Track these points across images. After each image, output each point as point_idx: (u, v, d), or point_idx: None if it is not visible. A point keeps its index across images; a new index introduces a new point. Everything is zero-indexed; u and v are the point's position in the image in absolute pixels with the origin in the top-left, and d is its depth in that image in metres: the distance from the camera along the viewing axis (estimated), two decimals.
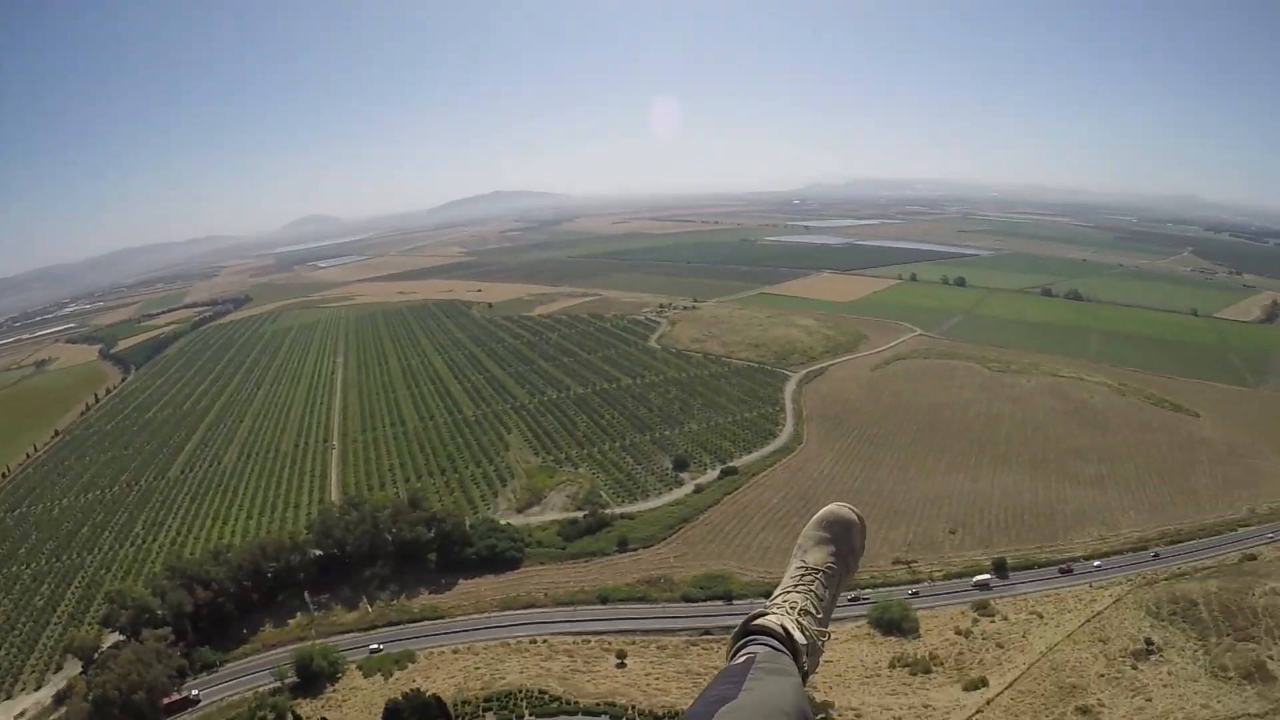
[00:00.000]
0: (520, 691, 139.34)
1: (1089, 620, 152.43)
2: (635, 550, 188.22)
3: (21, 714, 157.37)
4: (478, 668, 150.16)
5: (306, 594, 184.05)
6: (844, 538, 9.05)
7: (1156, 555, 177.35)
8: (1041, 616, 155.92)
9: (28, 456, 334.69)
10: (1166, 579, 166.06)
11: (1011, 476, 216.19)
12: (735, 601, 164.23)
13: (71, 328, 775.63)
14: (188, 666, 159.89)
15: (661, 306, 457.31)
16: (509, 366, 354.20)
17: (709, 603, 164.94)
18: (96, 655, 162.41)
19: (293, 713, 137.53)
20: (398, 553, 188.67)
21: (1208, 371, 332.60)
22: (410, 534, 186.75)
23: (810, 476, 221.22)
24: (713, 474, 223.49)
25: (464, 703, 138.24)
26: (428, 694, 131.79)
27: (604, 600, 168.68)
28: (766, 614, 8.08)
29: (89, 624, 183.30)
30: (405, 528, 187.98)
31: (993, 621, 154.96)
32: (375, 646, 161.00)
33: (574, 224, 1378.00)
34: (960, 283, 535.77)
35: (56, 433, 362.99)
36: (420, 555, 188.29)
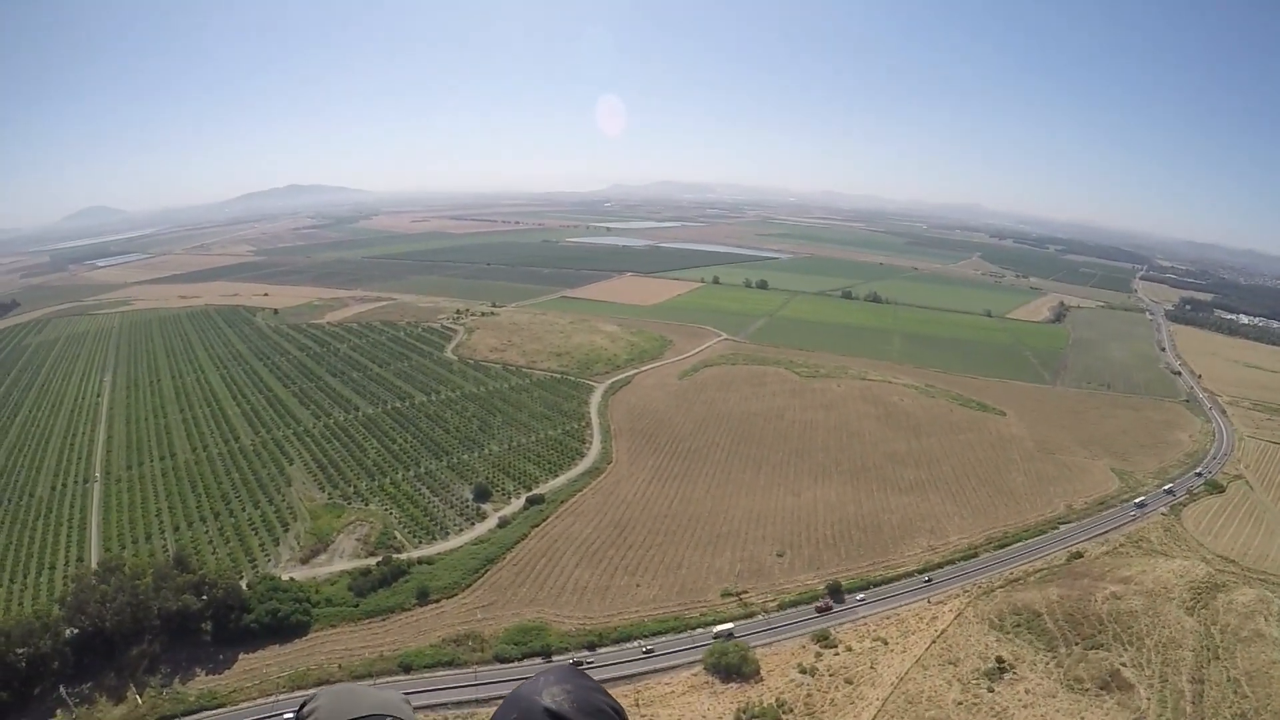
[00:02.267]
0: None
1: (934, 641, 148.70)
2: (438, 601, 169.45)
3: None
4: None
5: (63, 688, 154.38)
6: None
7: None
8: (886, 642, 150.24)
9: None
10: (1004, 587, 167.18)
11: (833, 488, 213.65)
12: (554, 657, 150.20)
13: None
14: None
15: (459, 312, 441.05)
16: (293, 383, 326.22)
17: (526, 661, 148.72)
18: None
19: None
20: (165, 626, 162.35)
21: (1007, 370, 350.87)
22: (177, 604, 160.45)
23: (624, 500, 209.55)
24: (517, 504, 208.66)
25: None
26: None
27: (407, 669, 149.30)
28: None
29: None
30: (170, 596, 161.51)
31: (837, 654, 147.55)
32: None
33: (372, 222, 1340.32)
34: (763, 285, 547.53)
35: None
36: (192, 627, 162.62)
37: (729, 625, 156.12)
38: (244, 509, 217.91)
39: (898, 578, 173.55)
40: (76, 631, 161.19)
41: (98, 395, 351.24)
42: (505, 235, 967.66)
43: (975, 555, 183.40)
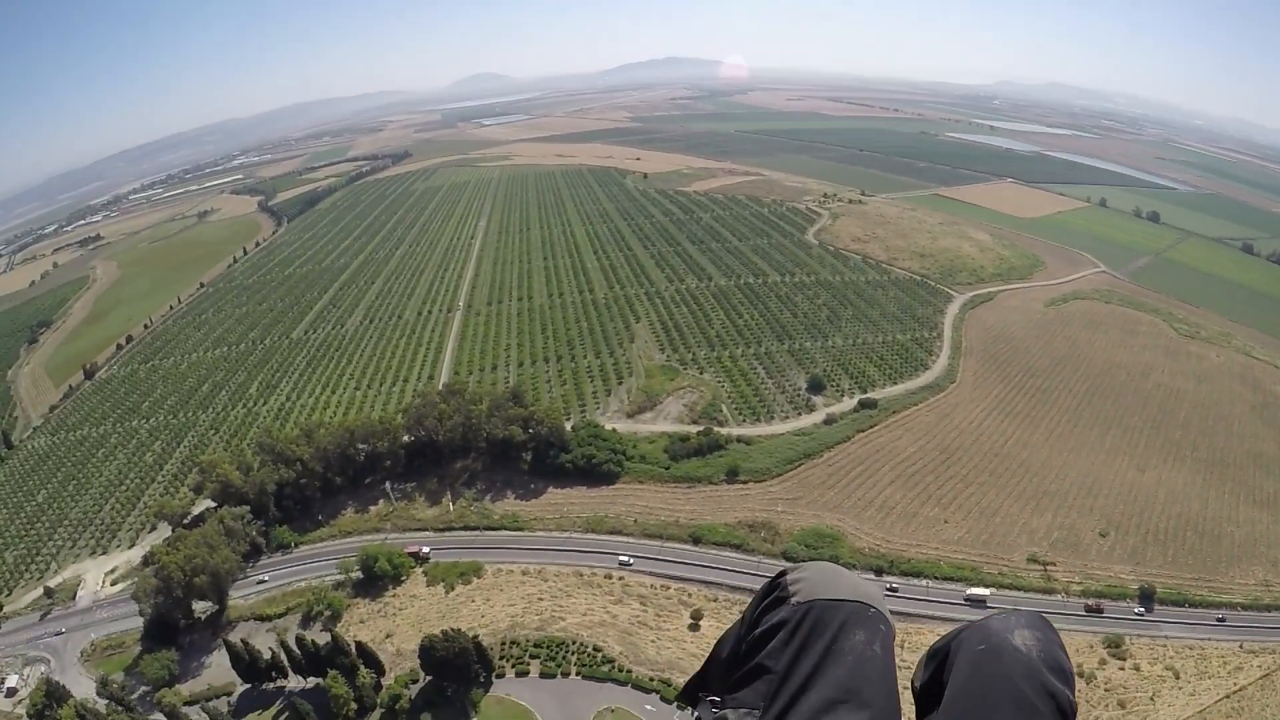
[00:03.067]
0: (574, 643, 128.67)
1: (1228, 696, 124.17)
2: (745, 483, 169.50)
3: (113, 570, 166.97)
4: (541, 598, 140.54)
5: (388, 484, 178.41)
6: None
7: None
8: (1177, 675, 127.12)
9: (171, 308, 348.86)
10: None
11: (1182, 475, 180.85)
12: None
13: (238, 179, 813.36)
14: (264, 544, 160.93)
15: (825, 196, 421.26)
16: (652, 245, 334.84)
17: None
18: (186, 521, 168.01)
19: (331, 632, 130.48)
20: (490, 449, 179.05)
21: None
22: (504, 432, 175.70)
23: (957, 426, 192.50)
24: (849, 403, 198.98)
25: (512, 643, 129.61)
26: (469, 635, 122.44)
27: (696, 540, 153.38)
28: None
29: (184, 491, 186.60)
30: (500, 424, 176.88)
31: (1123, 667, 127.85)
32: (425, 551, 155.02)
33: (747, 97, 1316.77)
34: (1154, 218, 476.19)
35: (201, 285, 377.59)
36: (514, 455, 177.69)
37: (986, 591, 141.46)
38: (585, 356, 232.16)
39: (1216, 604, 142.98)
40: (412, 439, 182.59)
41: (471, 238, 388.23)
42: (882, 123, 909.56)
43: None
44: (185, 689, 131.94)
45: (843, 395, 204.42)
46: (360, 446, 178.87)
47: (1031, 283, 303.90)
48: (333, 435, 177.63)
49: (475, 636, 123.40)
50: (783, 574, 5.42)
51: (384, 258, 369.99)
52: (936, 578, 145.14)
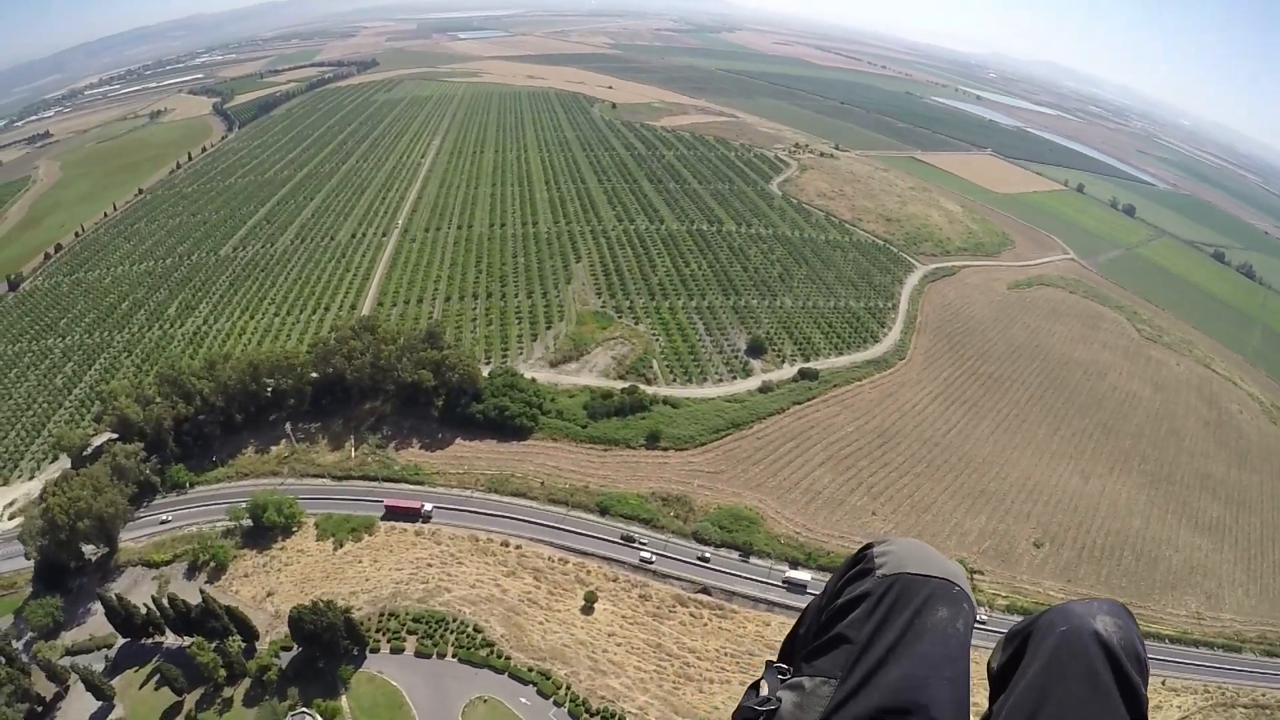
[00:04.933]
0: (454, 620, 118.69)
1: None
2: (665, 450, 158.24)
3: (11, 503, 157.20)
4: (430, 563, 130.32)
5: (289, 425, 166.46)
6: None
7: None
8: None
9: (106, 215, 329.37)
10: (1249, 708, 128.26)
11: (1127, 488, 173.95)
12: (752, 559, 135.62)
13: (198, 79, 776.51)
14: (158, 484, 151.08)
15: (797, 146, 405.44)
16: (607, 180, 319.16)
17: (722, 550, 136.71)
18: (87, 452, 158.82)
19: (203, 593, 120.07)
20: (399, 392, 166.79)
21: None
22: (413, 376, 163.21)
23: (900, 408, 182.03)
24: (789, 371, 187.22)
25: (390, 615, 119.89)
26: (341, 609, 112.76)
27: (604, 511, 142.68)
28: None
29: (87, 420, 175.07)
30: (409, 368, 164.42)
31: None
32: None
33: (734, 35, 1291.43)
34: (1129, 210, 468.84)
35: (140, 191, 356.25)
36: (423, 401, 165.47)
37: (806, 575, 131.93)
38: (517, 295, 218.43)
39: (1144, 634, 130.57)
40: (318, 376, 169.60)
41: (421, 156, 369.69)
42: (868, 78, 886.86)
43: (1239, 651, 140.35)
44: (69, 637, 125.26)
45: (783, 361, 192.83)
46: (265, 381, 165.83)
47: (998, 261, 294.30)
48: (237, 369, 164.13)
49: (347, 610, 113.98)
50: (869, 546, 5.52)
51: (329, 172, 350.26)
52: None
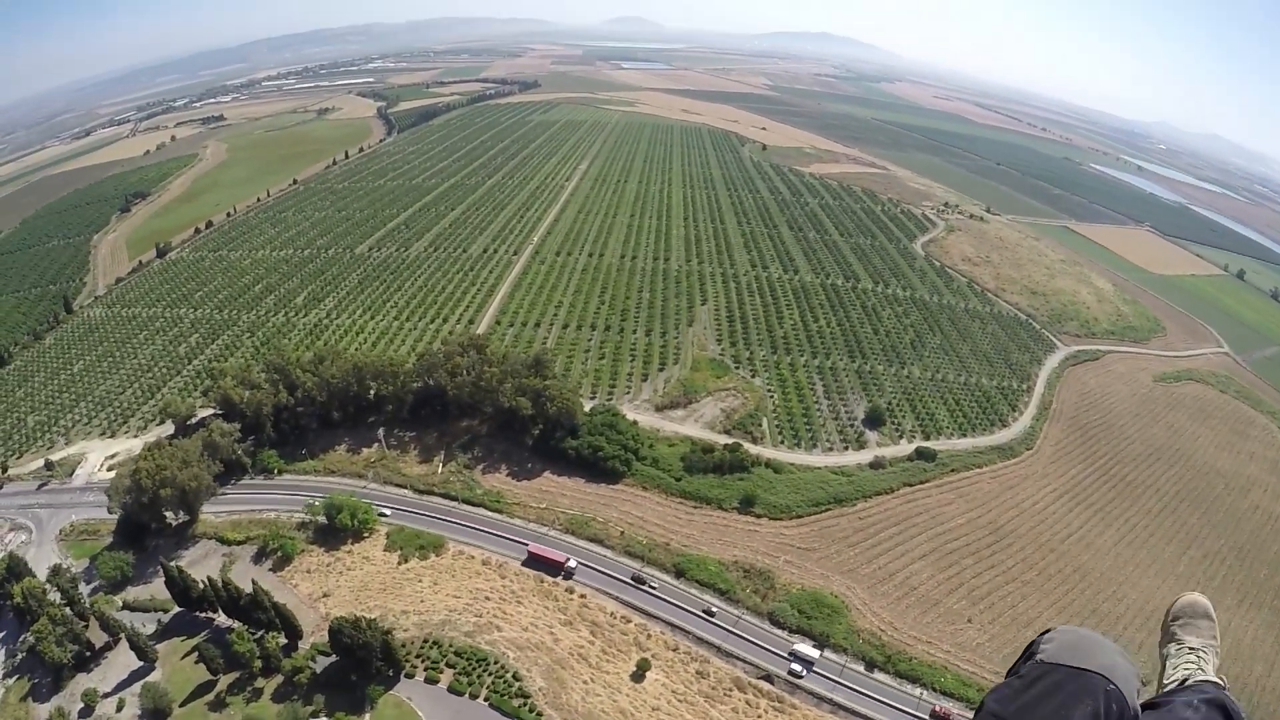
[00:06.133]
0: (496, 663, 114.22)
1: None
2: (758, 517, 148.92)
3: (114, 455, 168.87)
4: (489, 597, 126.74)
5: (381, 431, 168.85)
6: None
7: None
8: None
9: (259, 200, 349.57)
10: None
11: (1254, 626, 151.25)
12: (826, 652, 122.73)
13: (368, 82, 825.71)
14: (249, 464, 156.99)
15: (946, 206, 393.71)
16: (747, 223, 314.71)
17: (797, 637, 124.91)
18: (191, 422, 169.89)
19: (255, 585, 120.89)
20: (497, 415, 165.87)
21: None
22: (511, 401, 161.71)
23: (1017, 503, 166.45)
24: (905, 447, 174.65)
25: (434, 643, 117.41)
26: (382, 630, 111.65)
27: (679, 574, 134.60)
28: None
29: (197, 394, 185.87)
30: (509, 393, 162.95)
31: None
32: (384, 511, 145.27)
33: (893, 86, 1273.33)
34: None
35: (295, 181, 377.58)
36: (518, 428, 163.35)
37: (815, 652, 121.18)
38: (635, 331, 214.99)
39: None
40: (419, 386, 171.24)
41: (566, 180, 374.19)
42: (1027, 139, 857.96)
43: None
44: (133, 592, 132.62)
45: (901, 436, 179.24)
46: (368, 384, 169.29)
47: (1146, 349, 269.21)
48: (341, 369, 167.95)
49: (388, 632, 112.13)
50: (1047, 630, 6.05)
51: (474, 185, 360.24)
52: (935, 689, 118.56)
